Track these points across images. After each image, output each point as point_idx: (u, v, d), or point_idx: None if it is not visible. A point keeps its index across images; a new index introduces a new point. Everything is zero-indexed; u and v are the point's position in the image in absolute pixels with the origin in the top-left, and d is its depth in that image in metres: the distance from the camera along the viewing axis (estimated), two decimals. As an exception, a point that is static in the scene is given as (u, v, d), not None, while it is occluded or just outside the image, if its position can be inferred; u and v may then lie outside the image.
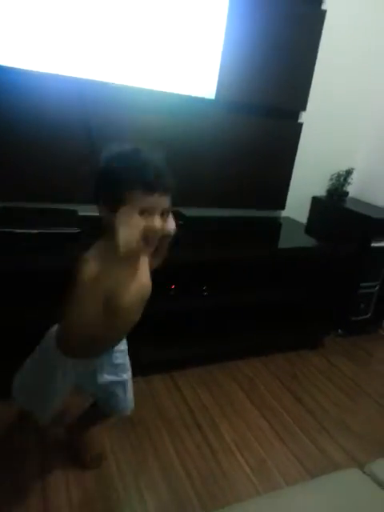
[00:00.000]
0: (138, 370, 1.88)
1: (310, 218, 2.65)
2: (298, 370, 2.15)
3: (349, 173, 2.51)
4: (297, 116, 2.33)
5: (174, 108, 1.97)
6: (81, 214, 1.91)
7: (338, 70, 2.39)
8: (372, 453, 1.65)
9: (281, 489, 1.38)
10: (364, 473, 0.97)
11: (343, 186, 2.54)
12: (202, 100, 1.99)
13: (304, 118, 2.35)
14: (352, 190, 2.61)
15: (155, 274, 1.89)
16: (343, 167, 2.55)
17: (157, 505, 1.34)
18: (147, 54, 1.81)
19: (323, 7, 2.15)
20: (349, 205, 2.49)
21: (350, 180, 2.54)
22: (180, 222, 2.07)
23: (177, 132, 2.02)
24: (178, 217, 2.10)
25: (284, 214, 2.56)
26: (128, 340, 1.87)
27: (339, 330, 2.51)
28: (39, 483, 1.34)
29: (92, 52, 1.72)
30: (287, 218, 2.56)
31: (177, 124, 2.01)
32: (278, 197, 2.46)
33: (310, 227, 2.56)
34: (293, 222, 2.54)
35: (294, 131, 2.34)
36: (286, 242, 2.39)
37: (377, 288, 2.46)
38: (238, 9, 1.91)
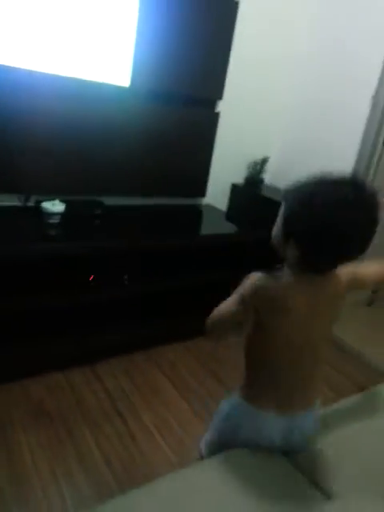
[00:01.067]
0: (56, 363, 1.88)
1: (229, 205, 2.74)
2: (219, 351, 2.25)
3: (264, 161, 2.63)
4: (214, 105, 2.38)
5: (89, 95, 1.93)
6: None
7: (253, 60, 2.47)
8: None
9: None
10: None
11: (260, 173, 2.65)
12: (117, 87, 1.97)
13: (221, 107, 2.40)
14: (268, 177, 2.74)
15: (74, 265, 1.88)
16: (259, 156, 2.66)
17: (73, 492, 1.35)
18: (59, 40, 1.75)
19: (235, -1, 2.20)
20: (265, 192, 2.61)
21: (265, 168, 2.66)
22: (98, 212, 2.09)
23: (92, 120, 1.99)
24: (97, 206, 2.11)
25: (205, 201, 2.62)
26: (41, 333, 1.84)
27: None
28: None
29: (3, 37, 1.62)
30: (208, 206, 2.63)
31: (92, 112, 1.97)
32: (199, 185, 2.52)
33: (231, 214, 2.65)
34: (214, 210, 2.61)
35: (212, 120, 2.39)
36: (207, 228, 2.46)
37: (291, 270, 2.62)
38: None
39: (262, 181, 2.68)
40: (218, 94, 2.35)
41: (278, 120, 2.73)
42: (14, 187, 1.90)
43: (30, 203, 1.94)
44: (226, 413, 1.07)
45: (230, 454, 1.03)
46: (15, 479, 1.37)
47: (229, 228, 2.47)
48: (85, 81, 1.87)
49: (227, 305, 0.98)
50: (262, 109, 2.65)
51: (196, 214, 2.56)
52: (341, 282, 0.96)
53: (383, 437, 1.15)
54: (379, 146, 2.32)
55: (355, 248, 0.86)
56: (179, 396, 1.87)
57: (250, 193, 2.65)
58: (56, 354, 1.88)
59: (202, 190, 2.53)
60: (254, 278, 0.93)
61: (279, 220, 0.91)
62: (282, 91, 2.67)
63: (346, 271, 0.97)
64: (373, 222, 0.84)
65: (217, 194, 2.62)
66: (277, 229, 0.93)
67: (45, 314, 1.83)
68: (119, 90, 1.97)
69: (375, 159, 2.34)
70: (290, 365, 0.97)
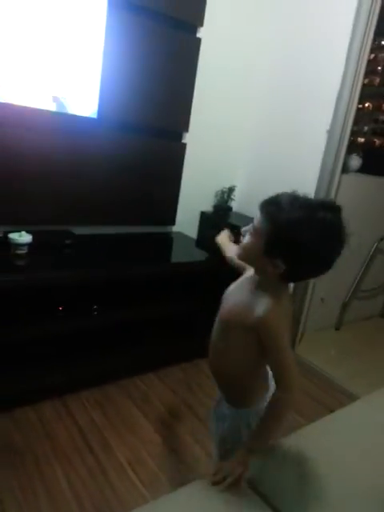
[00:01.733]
0: (26, 398, 1.81)
1: (199, 232, 2.78)
2: (191, 379, 2.23)
3: (231, 190, 2.70)
4: (180, 136, 2.45)
5: (58, 127, 1.94)
6: None
7: (217, 93, 2.57)
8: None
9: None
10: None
11: (227, 201, 2.72)
12: (85, 119, 1.99)
13: (188, 138, 2.48)
14: (235, 205, 2.82)
15: (42, 295, 1.84)
16: (226, 184, 2.74)
17: None
18: (28, 72, 1.77)
19: (198, 35, 2.30)
20: (233, 219, 2.67)
21: (233, 196, 2.74)
22: (68, 242, 2.07)
23: (61, 151, 2.01)
24: (66, 236, 2.09)
25: (175, 229, 2.66)
26: (9, 366, 1.77)
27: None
28: None
29: None
30: (178, 233, 2.66)
31: (61, 143, 2.00)
32: (168, 213, 2.55)
33: (200, 241, 2.68)
34: (184, 237, 2.64)
35: (179, 151, 2.45)
36: (177, 256, 2.49)
37: (260, 295, 2.67)
38: (115, 34, 1.96)
39: (230, 208, 2.75)
40: (184, 126, 2.43)
41: (242, 150, 2.83)
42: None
43: (-1, 234, 1.92)
44: None
45: (195, 485, 1.01)
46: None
47: (199, 255, 2.50)
48: (53, 112, 1.89)
49: (293, 359, 0.97)
50: (228, 139, 2.75)
51: (166, 241, 2.59)
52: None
53: (352, 460, 1.15)
54: (336, 175, 2.45)
55: (327, 267, 0.96)
56: (152, 428, 1.83)
57: (219, 220, 2.71)
58: (24, 387, 1.81)
59: (171, 218, 2.56)
60: (277, 316, 0.94)
61: (258, 236, 0.94)
62: (245, 122, 2.78)
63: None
64: (344, 243, 0.94)
65: (186, 221, 2.67)
66: (253, 244, 0.96)
67: (12, 346, 1.77)
68: (87, 121, 1.99)
69: (334, 187, 2.47)
70: None
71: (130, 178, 2.29)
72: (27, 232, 1.84)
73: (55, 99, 1.88)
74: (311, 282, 2.61)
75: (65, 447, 1.64)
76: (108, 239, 2.33)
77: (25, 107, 1.81)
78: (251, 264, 1.04)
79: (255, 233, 0.96)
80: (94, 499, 1.45)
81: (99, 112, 2.00)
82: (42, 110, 1.85)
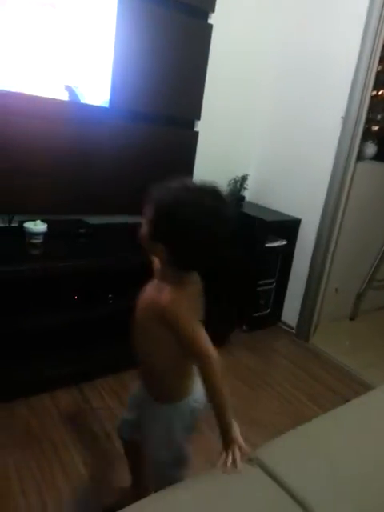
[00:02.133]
0: (42, 386, 1.83)
1: (212, 222, 2.77)
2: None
3: (244, 179, 2.68)
4: (192, 125, 2.44)
5: (70, 116, 1.94)
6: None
7: (229, 80, 2.55)
8: (271, 438, 1.77)
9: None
10: (250, 459, 1.05)
11: (240, 191, 2.70)
12: (97, 108, 1.99)
13: (200, 126, 2.46)
14: (248, 194, 2.80)
15: (58, 284, 1.86)
16: (239, 173, 2.71)
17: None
18: (40, 61, 1.77)
19: (210, 21, 2.27)
20: (246, 209, 2.66)
21: (246, 185, 2.72)
22: (82, 231, 2.09)
23: (74, 140, 2.00)
24: (81, 225, 2.10)
25: (187, 218, 2.65)
26: (26, 354, 1.80)
27: (244, 326, 2.67)
28: None
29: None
30: (191, 223, 2.65)
31: (73, 132, 1.99)
32: (181, 202, 2.54)
33: (213, 230, 2.67)
34: (196, 226, 2.63)
35: (191, 139, 2.44)
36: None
37: (273, 285, 2.66)
38: (126, 22, 1.94)
39: (242, 198, 2.73)
40: (196, 114, 2.41)
41: (255, 138, 2.81)
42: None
43: (14, 224, 1.93)
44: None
45: (210, 472, 1.02)
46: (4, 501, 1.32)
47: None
48: (66, 102, 1.89)
49: (203, 332, 0.97)
50: (240, 127, 2.72)
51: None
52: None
53: (367, 449, 1.15)
54: (351, 163, 2.41)
55: (212, 253, 0.96)
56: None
57: (231, 210, 2.69)
58: (42, 374, 1.84)
59: (183, 208, 2.55)
60: (176, 302, 0.95)
61: (146, 223, 0.96)
62: (258, 110, 2.75)
63: None
64: (226, 231, 0.95)
65: (198, 211, 2.65)
66: (143, 231, 0.97)
67: (28, 335, 1.79)
68: (99, 110, 1.99)
69: (349, 174, 2.43)
70: None
71: (142, 167, 2.28)
72: (42, 221, 1.86)
73: (67, 88, 1.88)
74: (325, 271, 2.58)
75: (82, 434, 1.67)
76: (121, 228, 2.33)
77: (37, 96, 1.81)
78: (149, 252, 1.05)
79: (145, 220, 0.97)
80: (112, 483, 1.47)
81: (111, 101, 2.00)
82: (55, 100, 1.85)
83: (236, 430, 1.03)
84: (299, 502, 0.97)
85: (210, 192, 0.94)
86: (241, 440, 1.03)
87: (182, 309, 0.95)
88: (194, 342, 0.96)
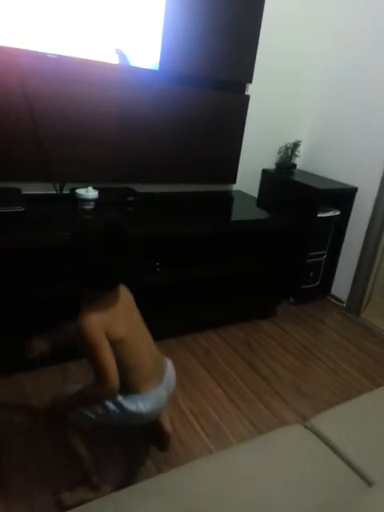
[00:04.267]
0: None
1: (260, 191, 2.69)
2: (252, 338, 2.22)
3: (296, 145, 2.56)
4: (243, 88, 2.33)
5: (120, 80, 1.92)
6: (24, 192, 1.85)
7: (283, 44, 2.41)
8: (320, 411, 1.74)
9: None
10: (305, 427, 1.03)
11: (291, 158, 2.59)
12: (146, 71, 1.94)
13: (251, 90, 2.35)
14: (300, 162, 2.67)
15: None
16: (290, 140, 2.59)
17: (114, 477, 1.36)
18: (89, 25, 1.74)
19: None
20: (297, 177, 2.55)
21: (297, 152, 2.60)
22: (130, 199, 2.09)
23: (122, 105, 1.98)
24: (130, 193, 2.10)
25: (235, 187, 2.59)
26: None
27: (291, 299, 2.61)
28: None
29: (29, 21, 1.62)
30: (239, 192, 2.59)
31: (121, 96, 1.97)
32: (229, 171, 2.48)
33: (261, 200, 2.60)
34: (244, 196, 2.57)
35: (242, 103, 2.34)
36: (237, 215, 2.43)
37: (324, 257, 2.56)
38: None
39: (294, 166, 2.62)
40: (248, 77, 2.30)
41: (309, 102, 2.65)
42: (49, 176, 1.91)
43: (66, 191, 1.96)
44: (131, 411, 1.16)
45: (267, 437, 1.01)
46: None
47: (259, 214, 2.42)
48: (115, 65, 1.86)
49: (105, 359, 1.05)
50: (293, 91, 2.58)
51: (227, 200, 2.53)
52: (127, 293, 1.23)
53: None
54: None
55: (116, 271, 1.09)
56: (214, 382, 1.86)
57: (281, 178, 2.59)
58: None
59: (232, 176, 2.49)
60: (84, 322, 1.06)
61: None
62: (312, 73, 2.59)
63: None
64: (123, 254, 1.08)
65: (247, 179, 2.58)
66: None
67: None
68: (149, 73, 1.94)
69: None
70: (142, 353, 1.18)
71: (190, 134, 2.23)
72: (93, 188, 1.87)
73: (118, 51, 1.84)
74: (381, 244, 2.45)
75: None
76: (168, 197, 2.32)
77: (89, 60, 1.79)
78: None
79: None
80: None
81: (161, 63, 1.94)
82: (106, 63, 1.82)
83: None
84: (355, 469, 0.95)
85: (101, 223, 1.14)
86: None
87: (91, 329, 1.05)
88: (96, 362, 1.06)
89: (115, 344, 1.08)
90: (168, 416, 1.44)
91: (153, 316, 2.09)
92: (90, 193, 1.83)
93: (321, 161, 2.64)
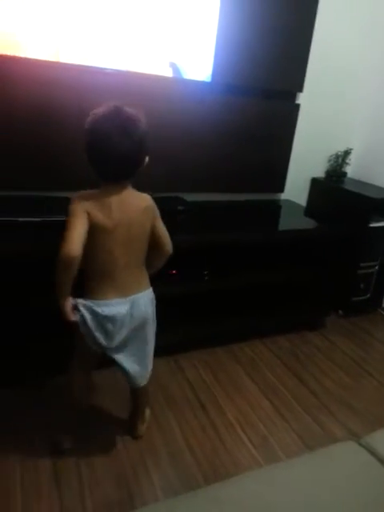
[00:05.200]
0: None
1: (309, 200, 2.65)
2: (299, 350, 2.19)
3: (347, 153, 2.51)
4: (294, 97, 2.32)
5: (171, 92, 1.96)
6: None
7: (334, 51, 2.37)
8: (372, 428, 1.67)
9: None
10: (360, 445, 1.00)
11: (342, 166, 2.54)
12: (199, 83, 1.98)
13: (301, 99, 2.34)
14: (350, 170, 2.61)
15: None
16: (341, 148, 2.54)
17: (163, 483, 1.38)
18: (141, 39, 1.80)
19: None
20: (347, 185, 2.49)
21: (348, 160, 2.54)
22: (180, 208, 2.12)
23: (174, 116, 2.02)
24: (180, 202, 2.14)
25: (283, 196, 2.56)
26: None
27: (340, 311, 2.54)
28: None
29: (87, 38, 1.71)
30: (287, 201, 2.57)
31: (174, 108, 2.01)
32: (277, 179, 2.47)
33: (310, 209, 2.56)
34: (292, 205, 2.54)
35: (292, 112, 2.33)
36: (285, 224, 2.40)
37: (376, 268, 2.47)
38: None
39: (344, 174, 2.56)
40: (299, 86, 2.29)
41: (361, 109, 2.59)
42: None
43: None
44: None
45: (320, 453, 0.99)
46: (112, 460, 1.44)
47: (308, 223, 2.39)
48: (169, 78, 1.91)
49: (74, 229, 1.14)
50: (344, 98, 2.53)
51: (275, 209, 2.51)
52: (146, 200, 1.32)
53: None
54: None
55: (120, 161, 1.18)
56: (260, 392, 1.84)
57: (332, 187, 2.54)
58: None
59: (280, 185, 2.47)
60: (73, 197, 1.19)
61: None
62: (365, 80, 2.53)
63: (152, 205, 1.34)
64: (128, 139, 1.17)
65: (295, 188, 2.55)
66: None
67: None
68: (201, 85, 1.98)
69: None
70: (120, 262, 1.25)
71: (240, 143, 2.24)
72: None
73: (171, 65, 1.89)
74: None
75: (177, 399, 1.74)
76: (217, 206, 2.34)
77: (143, 74, 1.85)
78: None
79: None
80: (206, 450, 1.52)
81: (213, 75, 1.97)
82: (160, 76, 1.88)
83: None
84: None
85: (112, 109, 1.20)
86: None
87: (76, 204, 1.18)
88: (66, 226, 1.17)
89: (94, 229, 1.17)
90: (147, 415, 1.57)
91: (199, 323, 2.13)
92: (142, 202, 1.87)
93: (373, 169, 2.56)
